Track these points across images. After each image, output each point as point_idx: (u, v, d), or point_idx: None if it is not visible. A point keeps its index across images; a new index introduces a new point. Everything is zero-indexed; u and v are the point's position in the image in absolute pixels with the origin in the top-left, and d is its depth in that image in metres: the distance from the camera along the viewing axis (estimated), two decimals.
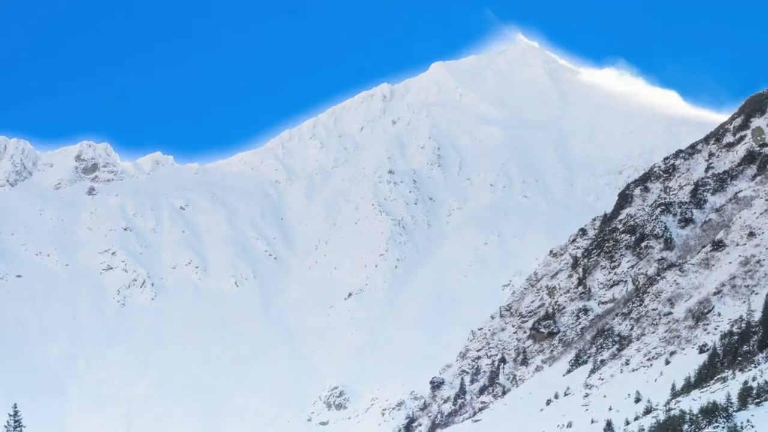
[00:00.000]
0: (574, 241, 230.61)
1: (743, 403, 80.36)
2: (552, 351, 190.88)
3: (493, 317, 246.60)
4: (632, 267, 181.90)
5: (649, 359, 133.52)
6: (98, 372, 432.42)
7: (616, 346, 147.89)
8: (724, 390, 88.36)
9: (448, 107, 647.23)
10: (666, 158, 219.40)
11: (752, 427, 73.79)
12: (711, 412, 78.89)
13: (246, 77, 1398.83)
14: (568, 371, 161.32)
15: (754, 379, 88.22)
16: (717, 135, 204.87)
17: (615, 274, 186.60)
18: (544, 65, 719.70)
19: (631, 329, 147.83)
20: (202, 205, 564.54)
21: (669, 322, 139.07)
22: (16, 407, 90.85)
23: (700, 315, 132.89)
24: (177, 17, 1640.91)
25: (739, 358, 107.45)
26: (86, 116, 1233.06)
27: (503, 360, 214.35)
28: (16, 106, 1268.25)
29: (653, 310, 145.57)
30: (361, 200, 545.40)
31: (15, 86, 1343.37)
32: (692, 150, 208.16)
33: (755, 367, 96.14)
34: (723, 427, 74.97)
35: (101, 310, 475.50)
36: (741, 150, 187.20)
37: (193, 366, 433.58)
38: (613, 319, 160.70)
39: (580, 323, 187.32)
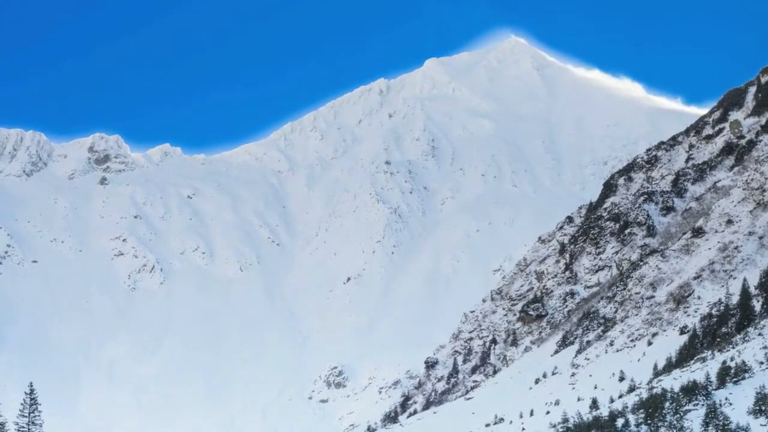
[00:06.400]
0: (561, 228, 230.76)
1: (722, 382, 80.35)
2: (540, 332, 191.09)
3: (484, 300, 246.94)
4: (616, 253, 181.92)
5: (632, 340, 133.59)
6: (110, 353, 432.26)
7: (601, 327, 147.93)
8: (703, 369, 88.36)
9: (441, 101, 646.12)
10: (648, 149, 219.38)
11: (730, 404, 73.74)
12: (691, 390, 78.86)
13: (250, 73, 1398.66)
14: (556, 352, 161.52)
15: (732, 359, 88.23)
16: (697, 127, 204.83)
17: (600, 259, 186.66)
18: (532, 61, 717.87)
19: (616, 312, 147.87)
20: (208, 194, 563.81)
21: (651, 305, 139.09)
22: (32, 386, 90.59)
23: (680, 298, 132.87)
24: (183, 18, 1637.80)
25: (718, 339, 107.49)
26: (98, 110, 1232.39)
27: (494, 341, 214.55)
28: (32, 101, 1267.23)
29: (636, 293, 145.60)
30: (359, 189, 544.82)
31: (31, 81, 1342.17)
32: (673, 142, 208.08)
33: (733, 347, 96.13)
34: (702, 405, 74.90)
35: (113, 294, 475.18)
36: (720, 142, 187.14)
37: (200, 347, 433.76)
38: (599, 302, 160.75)
39: (567, 306, 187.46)
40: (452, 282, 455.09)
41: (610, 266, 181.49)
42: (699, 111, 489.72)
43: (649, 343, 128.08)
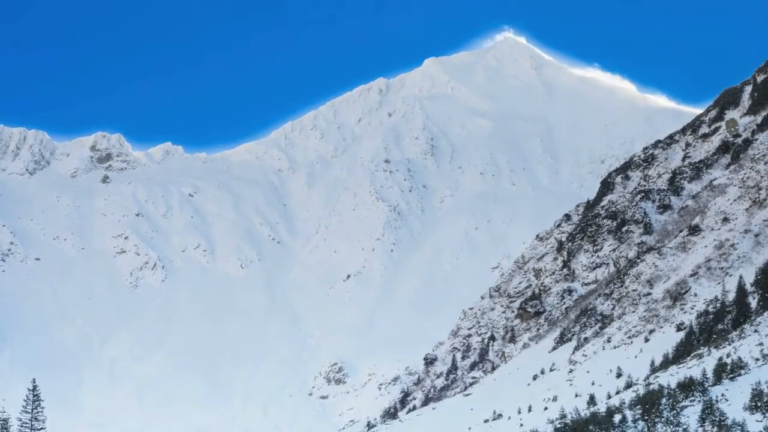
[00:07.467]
0: (559, 226, 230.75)
1: (718, 378, 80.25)
2: (538, 329, 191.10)
3: (483, 298, 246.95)
4: (614, 250, 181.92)
5: (629, 337, 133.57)
6: (111, 350, 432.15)
7: (599, 324, 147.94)
8: (700, 366, 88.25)
9: (440, 100, 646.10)
10: (645, 148, 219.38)
11: (726, 400, 73.64)
12: (688, 386, 78.73)
13: (251, 72, 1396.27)
14: (554, 348, 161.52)
15: (728, 355, 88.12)
16: (693, 126, 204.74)
17: (597, 257, 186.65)
18: (531, 61, 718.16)
19: (613, 309, 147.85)
20: (209, 193, 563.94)
21: (648, 302, 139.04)
22: (34, 383, 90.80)
23: (677, 295, 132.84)
24: (185, 17, 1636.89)
25: (714, 336, 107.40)
26: (101, 109, 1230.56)
27: (492, 338, 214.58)
28: (35, 100, 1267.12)
29: (633, 290, 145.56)
30: (359, 188, 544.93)
31: (34, 81, 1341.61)
32: (670, 140, 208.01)
33: (729, 344, 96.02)
34: (699, 401, 74.80)
35: (115, 292, 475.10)
36: (716, 140, 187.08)
37: (201, 344, 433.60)
38: (596, 299, 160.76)
39: (564, 303, 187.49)
40: (451, 279, 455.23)
41: (608, 264, 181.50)
42: (695, 110, 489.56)
43: (646, 340, 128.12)
